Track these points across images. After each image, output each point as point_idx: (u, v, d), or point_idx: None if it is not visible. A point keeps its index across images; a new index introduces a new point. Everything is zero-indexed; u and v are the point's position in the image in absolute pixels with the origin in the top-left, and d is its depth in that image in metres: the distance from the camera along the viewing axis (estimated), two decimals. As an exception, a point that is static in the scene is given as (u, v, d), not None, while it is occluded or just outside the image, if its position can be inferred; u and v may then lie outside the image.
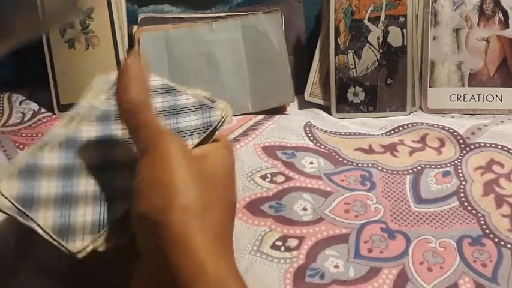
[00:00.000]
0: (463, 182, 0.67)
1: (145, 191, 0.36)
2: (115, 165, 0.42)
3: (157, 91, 0.49)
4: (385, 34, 0.81)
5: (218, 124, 0.48)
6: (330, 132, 0.77)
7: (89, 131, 0.44)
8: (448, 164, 0.70)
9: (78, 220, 0.39)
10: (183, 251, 0.34)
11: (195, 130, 0.46)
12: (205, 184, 0.38)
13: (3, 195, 0.39)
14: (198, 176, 0.37)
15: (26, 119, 0.81)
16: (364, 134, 0.76)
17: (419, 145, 0.74)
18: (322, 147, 0.73)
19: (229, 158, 0.45)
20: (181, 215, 0.35)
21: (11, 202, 0.38)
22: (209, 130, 0.47)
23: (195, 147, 0.46)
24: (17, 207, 0.38)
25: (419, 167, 0.70)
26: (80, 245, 0.38)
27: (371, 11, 0.81)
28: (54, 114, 0.82)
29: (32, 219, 0.38)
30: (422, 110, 0.83)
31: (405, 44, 0.81)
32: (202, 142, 0.47)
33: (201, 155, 0.41)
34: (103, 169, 0.42)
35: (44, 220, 0.38)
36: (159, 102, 0.48)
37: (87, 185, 0.41)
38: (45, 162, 0.41)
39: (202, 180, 0.38)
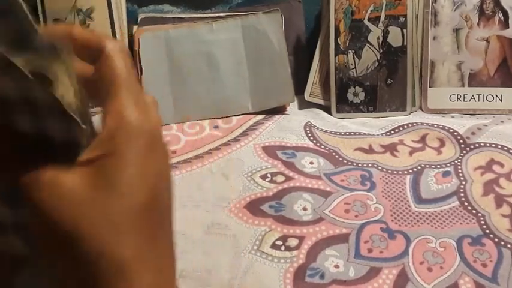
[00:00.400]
0: (463, 182, 0.67)
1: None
2: None
3: None
4: (385, 34, 0.81)
5: None
6: (330, 132, 0.77)
7: None
8: (448, 164, 0.70)
9: None
10: None
11: None
12: (120, 212, 0.27)
13: None
14: (105, 211, 0.27)
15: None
16: (364, 134, 0.76)
17: (419, 145, 0.74)
18: (322, 147, 0.73)
19: (148, 123, 0.27)
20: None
21: None
22: None
23: None
24: None
25: (419, 167, 0.70)
26: None
27: (371, 11, 0.81)
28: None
29: None
30: (422, 110, 0.83)
31: (405, 44, 0.81)
32: None
33: (110, 131, 0.27)
34: None
35: None
36: None
37: None
38: None
39: (125, 216, 0.27)
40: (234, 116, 0.80)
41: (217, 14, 0.87)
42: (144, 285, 0.26)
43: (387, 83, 0.81)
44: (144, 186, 0.27)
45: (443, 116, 0.81)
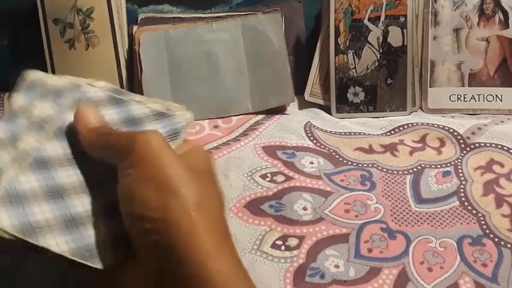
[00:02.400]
0: (463, 182, 0.67)
1: (139, 191, 0.35)
2: (99, 177, 0.41)
3: (105, 102, 0.46)
4: (385, 34, 0.81)
5: (183, 130, 0.46)
6: (330, 132, 0.77)
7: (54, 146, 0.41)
8: (448, 164, 0.70)
9: (93, 240, 0.38)
10: (188, 246, 0.34)
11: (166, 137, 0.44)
12: (197, 180, 0.37)
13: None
14: (184, 171, 0.37)
15: (25, 118, 0.81)
16: (364, 133, 0.76)
17: (420, 145, 0.74)
18: (322, 147, 0.73)
19: (208, 157, 0.43)
20: (179, 211, 0.34)
21: (11, 235, 0.36)
22: (179, 136, 0.45)
23: None
24: (21, 239, 0.36)
25: (419, 167, 0.70)
26: (106, 263, 0.38)
27: (371, 11, 0.81)
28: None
29: (43, 247, 0.37)
30: (422, 110, 0.83)
31: (405, 44, 0.81)
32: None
33: (182, 153, 0.40)
34: (89, 184, 0.41)
35: (57, 246, 0.37)
36: (114, 113, 0.46)
37: (82, 203, 0.40)
38: (24, 186, 0.38)
39: (189, 175, 0.37)
40: (234, 116, 0.80)
41: (217, 14, 0.87)
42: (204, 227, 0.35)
43: (387, 83, 0.81)
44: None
45: (443, 116, 0.81)
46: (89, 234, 0.38)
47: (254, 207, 0.63)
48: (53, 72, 0.82)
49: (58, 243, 0.37)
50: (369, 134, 0.76)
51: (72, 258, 0.37)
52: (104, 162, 0.40)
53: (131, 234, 0.36)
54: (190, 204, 0.35)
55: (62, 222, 0.38)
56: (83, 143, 0.40)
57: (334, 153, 0.72)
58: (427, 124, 0.77)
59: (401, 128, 0.77)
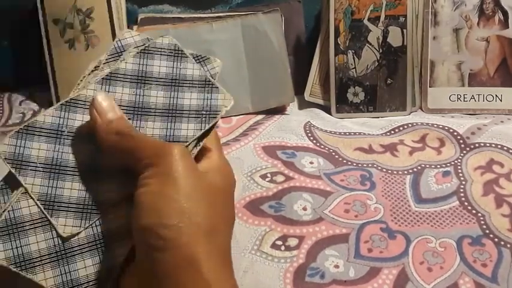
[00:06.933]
0: (463, 182, 0.67)
1: (153, 204, 0.35)
2: (99, 200, 0.39)
3: (163, 51, 0.43)
4: (385, 34, 0.81)
5: (219, 113, 0.44)
6: (330, 132, 0.77)
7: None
8: (448, 164, 0.70)
9: (81, 275, 0.37)
10: (190, 273, 0.33)
11: (193, 113, 0.43)
12: (211, 203, 0.37)
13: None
14: (204, 195, 0.37)
15: (26, 119, 0.82)
16: (364, 133, 0.76)
17: (419, 145, 0.74)
18: (322, 147, 0.73)
19: (229, 174, 0.43)
20: (191, 235, 0.34)
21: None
22: (212, 123, 0.44)
23: (193, 142, 0.43)
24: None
25: (419, 167, 0.70)
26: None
27: (371, 11, 0.81)
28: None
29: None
30: (422, 110, 0.83)
31: (405, 44, 0.81)
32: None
33: (204, 170, 0.40)
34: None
35: (45, 282, 0.36)
36: (163, 66, 0.43)
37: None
38: (24, 212, 0.37)
39: (208, 199, 0.37)
40: (234, 116, 0.80)
41: (217, 14, 0.87)
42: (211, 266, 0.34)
43: (387, 83, 0.81)
44: (222, 181, 0.41)
45: (443, 116, 0.81)
46: (77, 268, 0.37)
47: (254, 207, 0.63)
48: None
49: (46, 277, 0.36)
50: (369, 134, 0.76)
51: None
52: (116, 166, 0.39)
53: (137, 247, 0.36)
54: (202, 231, 0.35)
55: (54, 254, 0.37)
56: (100, 143, 0.39)
57: (334, 153, 0.72)
58: (427, 124, 0.77)
59: (401, 128, 0.77)
